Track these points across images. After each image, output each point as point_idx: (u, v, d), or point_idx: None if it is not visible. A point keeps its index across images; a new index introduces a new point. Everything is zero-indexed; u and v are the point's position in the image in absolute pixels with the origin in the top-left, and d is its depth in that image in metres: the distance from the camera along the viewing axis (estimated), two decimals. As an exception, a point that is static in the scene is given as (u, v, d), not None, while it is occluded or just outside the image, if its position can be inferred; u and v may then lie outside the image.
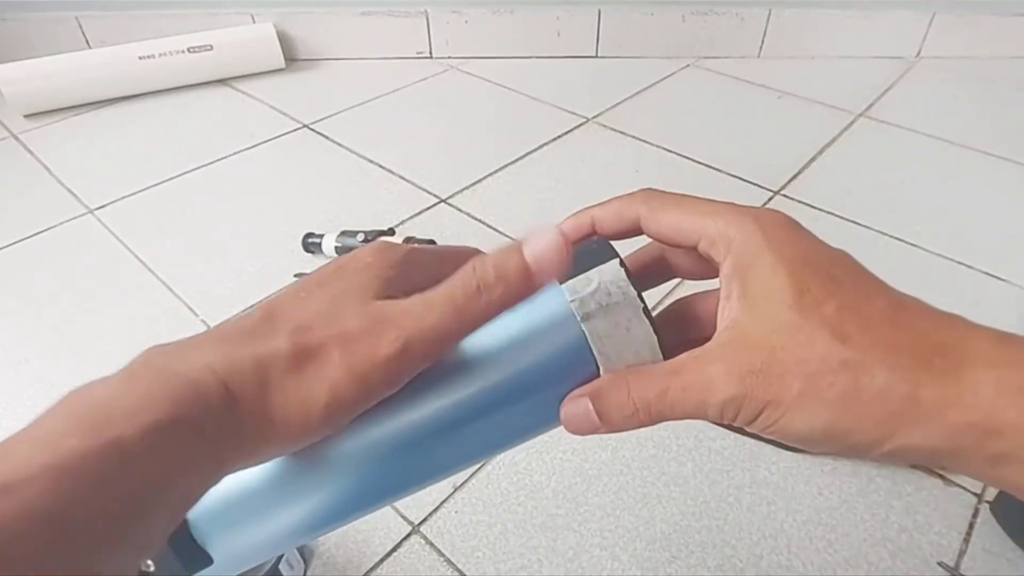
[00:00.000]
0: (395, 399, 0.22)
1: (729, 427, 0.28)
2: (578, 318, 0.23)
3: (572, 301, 0.23)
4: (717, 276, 0.23)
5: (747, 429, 0.21)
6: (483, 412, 0.24)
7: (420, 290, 0.22)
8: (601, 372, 0.23)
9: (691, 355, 0.22)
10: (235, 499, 0.23)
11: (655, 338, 0.23)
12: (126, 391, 0.18)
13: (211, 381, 0.19)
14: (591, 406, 0.23)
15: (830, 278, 0.21)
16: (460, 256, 0.25)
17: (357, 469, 0.23)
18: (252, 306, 0.22)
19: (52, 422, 0.18)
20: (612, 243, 0.24)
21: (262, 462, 0.21)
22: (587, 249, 0.24)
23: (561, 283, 0.23)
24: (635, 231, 0.25)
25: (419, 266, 0.24)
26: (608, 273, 0.23)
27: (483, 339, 0.23)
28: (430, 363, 0.22)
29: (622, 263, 0.23)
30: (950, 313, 0.20)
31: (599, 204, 0.25)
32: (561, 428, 0.24)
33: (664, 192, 0.24)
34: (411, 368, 0.21)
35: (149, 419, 0.18)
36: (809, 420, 0.20)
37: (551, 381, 0.23)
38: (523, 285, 0.21)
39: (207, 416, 0.19)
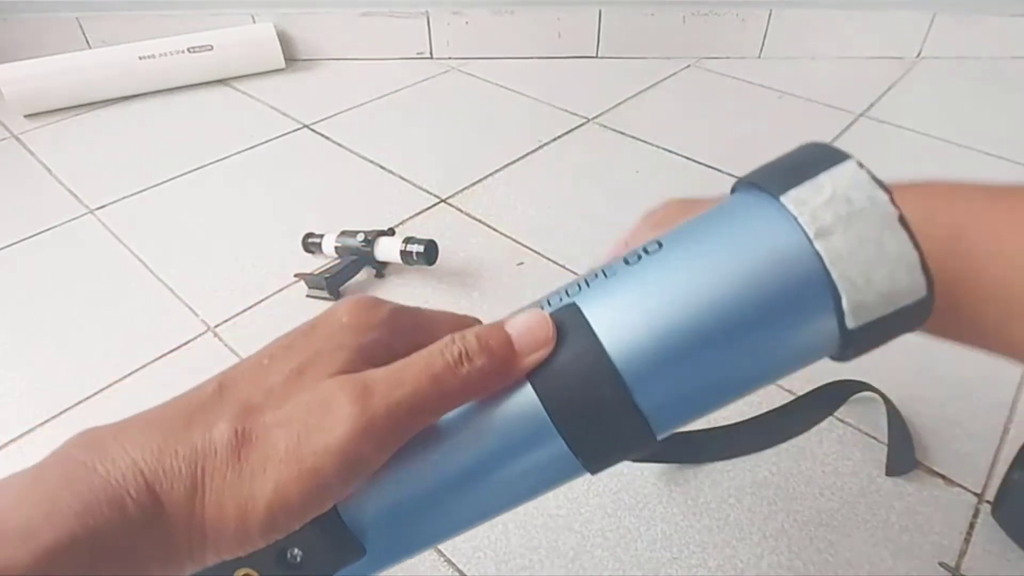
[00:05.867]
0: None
1: None
2: (810, 236, 0.17)
3: (800, 215, 0.18)
4: None
5: None
6: (695, 365, 0.19)
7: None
8: (845, 302, 0.17)
9: None
10: (386, 493, 0.20)
11: (916, 254, 0.17)
12: (28, 500, 0.16)
13: (132, 486, 0.16)
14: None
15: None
16: (449, 322, 0.22)
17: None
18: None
19: None
20: (830, 144, 0.19)
21: (197, 571, 0.18)
22: (801, 154, 0.19)
23: (776, 195, 0.18)
24: None
25: (401, 331, 0.21)
26: (844, 176, 0.18)
27: (687, 290, 0.18)
28: (400, 444, 0.18)
29: (860, 163, 0.18)
30: None
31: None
32: None
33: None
34: (374, 454, 0.18)
35: (47, 541, 0.15)
36: None
37: (776, 325, 0.18)
38: (507, 359, 0.19)
39: (122, 529, 0.16)
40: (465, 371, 0.18)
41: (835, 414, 0.58)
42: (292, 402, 0.18)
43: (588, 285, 0.20)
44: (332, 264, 0.73)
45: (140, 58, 1.12)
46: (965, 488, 0.53)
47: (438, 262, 0.72)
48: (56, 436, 0.63)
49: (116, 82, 1.13)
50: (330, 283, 0.70)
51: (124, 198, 0.90)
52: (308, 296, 0.72)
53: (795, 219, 0.18)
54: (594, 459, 0.20)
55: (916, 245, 0.17)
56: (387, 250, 0.72)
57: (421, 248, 0.70)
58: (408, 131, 1.04)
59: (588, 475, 0.21)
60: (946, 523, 0.50)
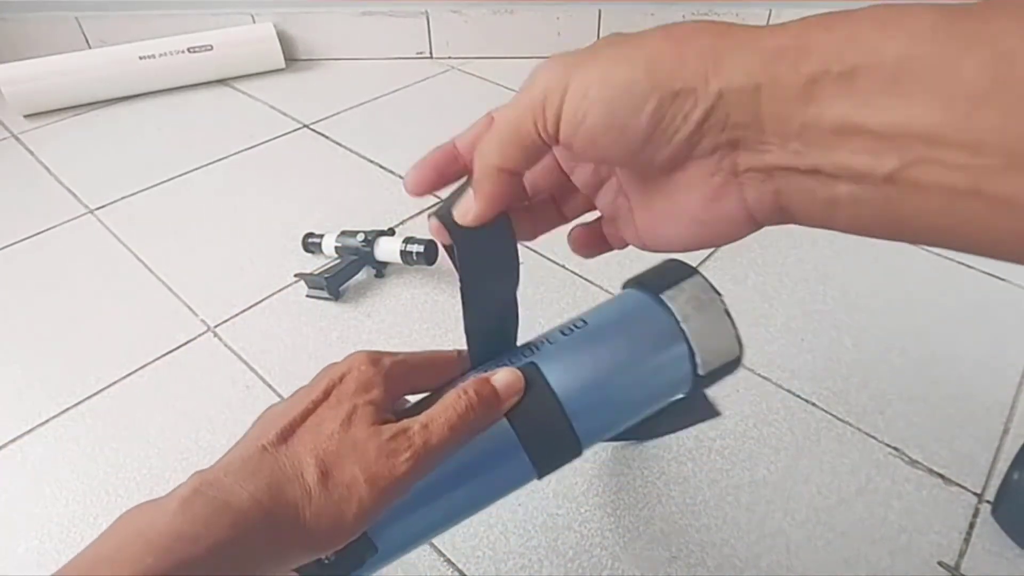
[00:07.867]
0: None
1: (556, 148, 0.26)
2: (679, 319, 0.29)
3: (672, 306, 0.29)
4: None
5: (571, 110, 0.22)
6: (603, 399, 0.29)
7: (403, 398, 0.29)
8: (698, 358, 0.29)
9: None
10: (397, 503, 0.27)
11: (734, 331, 0.30)
12: (186, 519, 0.22)
13: (256, 512, 0.23)
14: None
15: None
16: (434, 362, 0.31)
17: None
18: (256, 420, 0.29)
19: (126, 544, 0.22)
20: (685, 262, 0.31)
21: (300, 564, 0.25)
22: (667, 267, 0.32)
23: (656, 294, 0.30)
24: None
25: (398, 380, 0.29)
26: (695, 284, 0.30)
27: (607, 352, 0.30)
28: (432, 469, 0.27)
29: (703, 276, 0.30)
30: None
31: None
32: None
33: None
34: (419, 477, 0.26)
35: (211, 542, 0.22)
36: (628, 68, 0.22)
37: (659, 373, 0.30)
38: (495, 406, 0.28)
39: (254, 538, 0.23)
40: (472, 418, 0.27)
41: (833, 413, 0.58)
42: (360, 445, 0.25)
43: (539, 349, 0.30)
44: (332, 264, 0.73)
45: (140, 58, 1.12)
46: (965, 488, 0.53)
47: (438, 262, 0.73)
48: (56, 436, 0.63)
49: (116, 82, 1.13)
50: (330, 283, 0.70)
51: (124, 198, 0.90)
52: (308, 296, 0.72)
53: (669, 309, 0.30)
54: (545, 468, 0.30)
55: (734, 325, 0.30)
56: (387, 250, 0.72)
57: (421, 248, 0.70)
58: (408, 131, 1.04)
59: (536, 480, 0.30)
60: (946, 523, 0.50)
